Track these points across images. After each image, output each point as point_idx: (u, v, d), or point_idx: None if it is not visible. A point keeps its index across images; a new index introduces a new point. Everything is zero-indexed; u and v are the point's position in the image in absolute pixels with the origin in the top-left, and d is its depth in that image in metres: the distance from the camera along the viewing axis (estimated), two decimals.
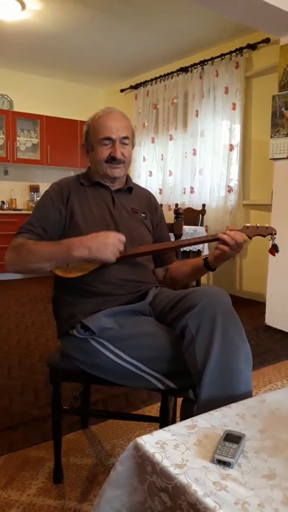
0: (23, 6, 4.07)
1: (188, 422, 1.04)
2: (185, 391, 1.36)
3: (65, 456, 1.76)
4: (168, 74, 5.45)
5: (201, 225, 4.76)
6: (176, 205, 5.19)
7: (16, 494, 1.56)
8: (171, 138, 5.50)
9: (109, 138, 1.60)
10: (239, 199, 4.70)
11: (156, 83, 5.69)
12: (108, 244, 1.44)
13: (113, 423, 2.05)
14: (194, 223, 4.74)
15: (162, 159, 5.66)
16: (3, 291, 5.09)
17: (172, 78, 5.43)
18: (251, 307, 4.33)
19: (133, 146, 1.71)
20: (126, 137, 1.63)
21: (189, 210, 4.89)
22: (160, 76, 5.56)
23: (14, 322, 3.75)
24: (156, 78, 5.64)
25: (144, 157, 5.94)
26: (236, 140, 4.68)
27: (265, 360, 2.94)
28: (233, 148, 4.71)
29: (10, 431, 1.97)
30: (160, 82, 5.61)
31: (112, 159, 1.61)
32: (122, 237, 1.48)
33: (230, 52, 4.61)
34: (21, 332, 3.47)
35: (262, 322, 3.76)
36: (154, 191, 5.66)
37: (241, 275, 4.90)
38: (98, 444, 1.89)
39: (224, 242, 1.50)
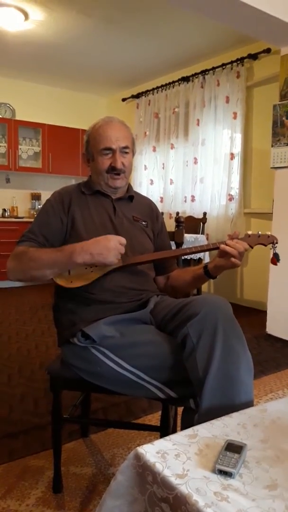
0: (26, 16, 4.11)
1: (189, 431, 1.04)
2: (185, 400, 1.36)
3: (64, 466, 1.74)
4: (169, 83, 5.49)
5: (202, 233, 4.76)
6: (177, 213, 5.20)
7: (15, 504, 1.54)
8: (172, 147, 5.52)
9: (109, 149, 1.61)
10: (240, 207, 4.71)
11: (157, 92, 5.72)
12: (110, 247, 1.45)
13: (113, 432, 2.04)
14: (195, 231, 4.75)
15: (163, 168, 5.68)
16: (3, 299, 5.08)
17: (173, 87, 5.47)
18: (252, 316, 4.32)
19: (133, 154, 1.72)
20: (126, 147, 1.63)
21: (190, 218, 4.89)
22: (162, 85, 5.60)
23: (14, 330, 3.74)
24: (157, 87, 5.68)
25: (145, 166, 5.96)
26: (237, 149, 4.70)
27: (266, 368, 2.93)
28: (234, 157, 4.73)
29: (10, 440, 1.96)
30: (162, 91, 5.65)
31: (112, 169, 1.62)
32: (123, 240, 1.49)
33: (231, 62, 4.65)
34: (22, 339, 3.47)
35: (263, 331, 3.75)
36: (155, 199, 5.67)
37: (242, 283, 4.89)
38: (98, 453, 1.88)
39: (226, 253, 1.50)
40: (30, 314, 4.33)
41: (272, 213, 3.71)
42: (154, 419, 2.15)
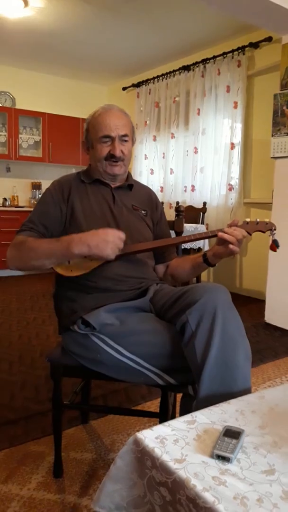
0: (26, 3, 4.07)
1: (187, 417, 1.05)
2: (184, 387, 1.38)
3: (65, 451, 1.77)
4: (170, 72, 5.45)
5: (202, 223, 4.76)
6: (177, 203, 5.20)
7: (16, 488, 1.57)
8: (172, 136, 5.50)
9: (108, 136, 1.60)
10: (240, 197, 4.71)
11: (158, 81, 5.69)
12: (108, 241, 1.44)
13: (113, 418, 2.06)
14: (195, 221, 4.75)
15: (163, 157, 5.66)
16: (4, 288, 5.10)
17: (174, 76, 5.43)
18: (251, 305, 4.34)
19: (133, 142, 1.72)
20: (125, 135, 1.63)
21: (190, 208, 4.89)
22: (162, 74, 5.57)
23: (15, 318, 3.76)
24: (158, 77, 5.64)
25: (145, 155, 5.94)
26: (237, 138, 4.69)
27: (264, 357, 2.96)
28: (234, 147, 4.71)
29: (11, 426, 1.99)
30: (162, 81, 5.61)
31: (111, 157, 1.62)
32: (122, 235, 1.48)
33: (232, 51, 4.61)
34: (22, 328, 3.49)
35: (261, 320, 3.77)
36: (155, 189, 5.66)
37: (241, 272, 4.91)
38: (98, 439, 1.90)
39: (224, 240, 1.50)
40: (31, 303, 4.35)
41: (272, 203, 3.71)
42: (153, 405, 2.18)
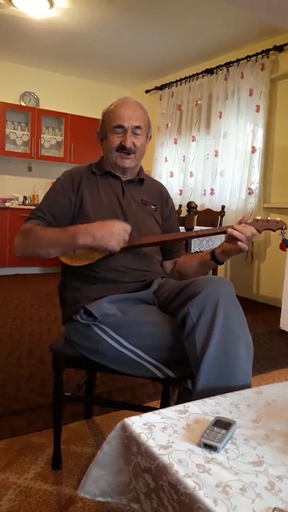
0: (51, 4, 4.13)
1: (179, 407, 1.03)
2: (184, 381, 1.35)
3: (65, 444, 1.76)
4: (193, 75, 5.45)
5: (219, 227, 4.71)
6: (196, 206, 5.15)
7: (14, 477, 1.57)
8: (193, 140, 5.48)
9: (120, 126, 1.60)
10: (259, 201, 4.65)
11: (181, 84, 5.69)
12: (113, 233, 1.43)
13: (116, 415, 2.04)
14: (213, 224, 4.70)
15: (183, 160, 5.65)
16: (20, 284, 5.15)
17: (197, 79, 5.42)
18: (267, 311, 4.27)
19: (148, 138, 1.71)
20: (138, 127, 1.62)
21: (208, 211, 4.85)
22: (185, 78, 5.57)
23: (28, 314, 3.79)
24: (181, 79, 5.65)
25: (166, 158, 5.94)
26: (259, 142, 4.64)
27: (277, 363, 2.89)
28: (255, 151, 4.67)
29: (14, 416, 1.99)
30: (185, 84, 5.61)
31: (122, 148, 1.61)
32: (128, 227, 1.47)
33: (256, 54, 4.58)
34: (35, 323, 3.51)
35: (277, 327, 3.70)
36: (174, 192, 5.65)
37: (258, 279, 4.84)
38: (99, 435, 1.89)
39: (233, 237, 1.48)
40: (45, 300, 4.38)
41: None
42: (158, 405, 2.15)
